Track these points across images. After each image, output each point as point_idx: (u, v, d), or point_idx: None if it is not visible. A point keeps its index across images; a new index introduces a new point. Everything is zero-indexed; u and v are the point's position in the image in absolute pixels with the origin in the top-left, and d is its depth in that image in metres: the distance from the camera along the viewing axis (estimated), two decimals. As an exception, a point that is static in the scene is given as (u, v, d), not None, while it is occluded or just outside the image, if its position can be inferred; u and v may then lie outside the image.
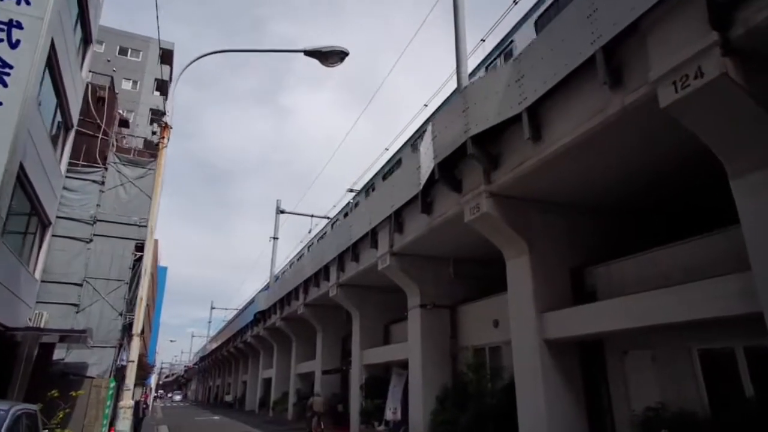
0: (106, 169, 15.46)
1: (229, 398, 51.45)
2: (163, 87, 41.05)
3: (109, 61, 38.37)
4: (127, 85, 38.87)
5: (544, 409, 9.74)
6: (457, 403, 13.70)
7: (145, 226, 15.09)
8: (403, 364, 17.89)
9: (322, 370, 23.92)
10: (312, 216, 37.62)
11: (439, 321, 15.47)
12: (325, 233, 25.41)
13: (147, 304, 41.52)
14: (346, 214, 23.83)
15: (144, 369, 38.86)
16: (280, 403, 31.39)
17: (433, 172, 12.18)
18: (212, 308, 71.13)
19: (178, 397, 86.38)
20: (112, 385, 13.79)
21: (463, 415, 12.79)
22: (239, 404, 45.46)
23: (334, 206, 34.03)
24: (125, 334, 15.08)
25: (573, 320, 9.97)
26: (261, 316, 34.24)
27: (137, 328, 8.58)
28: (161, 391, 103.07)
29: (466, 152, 10.91)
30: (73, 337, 11.83)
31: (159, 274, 68.34)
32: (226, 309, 63.61)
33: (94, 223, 14.82)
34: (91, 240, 14.67)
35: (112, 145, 16.16)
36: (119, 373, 15.87)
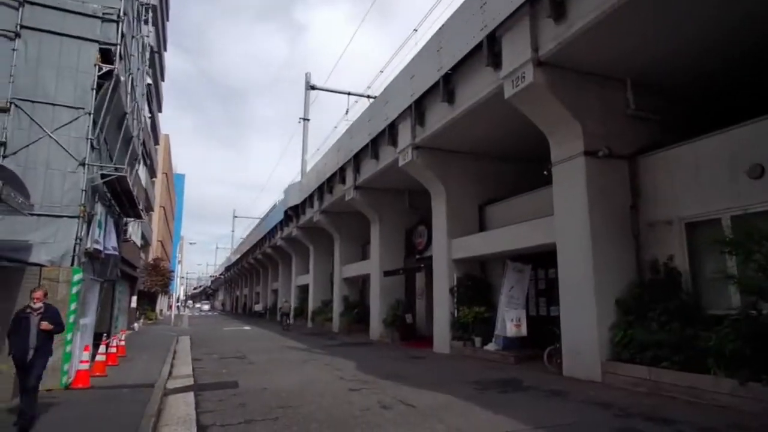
0: None
1: (258, 308, 47.87)
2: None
3: None
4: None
5: None
6: (668, 312, 7.82)
7: (114, 20, 8.71)
8: (523, 257, 12.05)
9: (382, 271, 18.39)
10: (349, 94, 30.86)
11: (615, 179, 9.26)
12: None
13: (162, 207, 35.94)
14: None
15: (164, 275, 34.58)
16: (320, 313, 26.65)
17: None
18: (234, 217, 66.75)
19: (206, 307, 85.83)
20: (77, 277, 8.16)
21: (702, 335, 6.90)
22: (270, 314, 41.67)
23: (369, 87, 27.28)
24: (96, 199, 9.24)
25: None
26: (293, 213, 28.68)
27: None
28: (190, 302, 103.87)
29: None
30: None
31: (176, 182, 63.62)
32: (249, 218, 58.95)
33: (22, 5, 8.44)
34: (17, 35, 8.38)
35: None
36: (96, 262, 10.27)
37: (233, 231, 72.40)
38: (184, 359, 13.09)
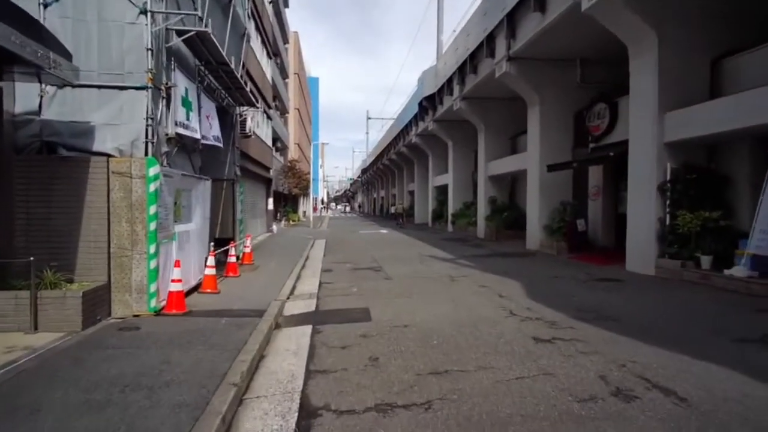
0: None
1: (394, 210, 47.06)
2: None
3: None
4: None
5: None
6: None
7: None
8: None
9: (544, 165, 14.52)
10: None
11: None
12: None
13: (297, 109, 34.58)
14: None
15: (300, 177, 34.40)
16: (462, 216, 23.83)
17: None
18: (368, 118, 65.13)
19: (346, 209, 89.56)
20: (153, 170, 6.04)
21: None
22: (406, 217, 40.30)
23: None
24: (173, 67, 6.87)
25: None
26: (428, 105, 25.24)
27: None
28: (332, 204, 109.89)
29: None
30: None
31: (310, 85, 63.18)
32: (382, 119, 56.60)
33: None
34: None
35: None
36: (194, 155, 8.25)
37: (367, 133, 71.49)
38: (313, 269, 11.32)
